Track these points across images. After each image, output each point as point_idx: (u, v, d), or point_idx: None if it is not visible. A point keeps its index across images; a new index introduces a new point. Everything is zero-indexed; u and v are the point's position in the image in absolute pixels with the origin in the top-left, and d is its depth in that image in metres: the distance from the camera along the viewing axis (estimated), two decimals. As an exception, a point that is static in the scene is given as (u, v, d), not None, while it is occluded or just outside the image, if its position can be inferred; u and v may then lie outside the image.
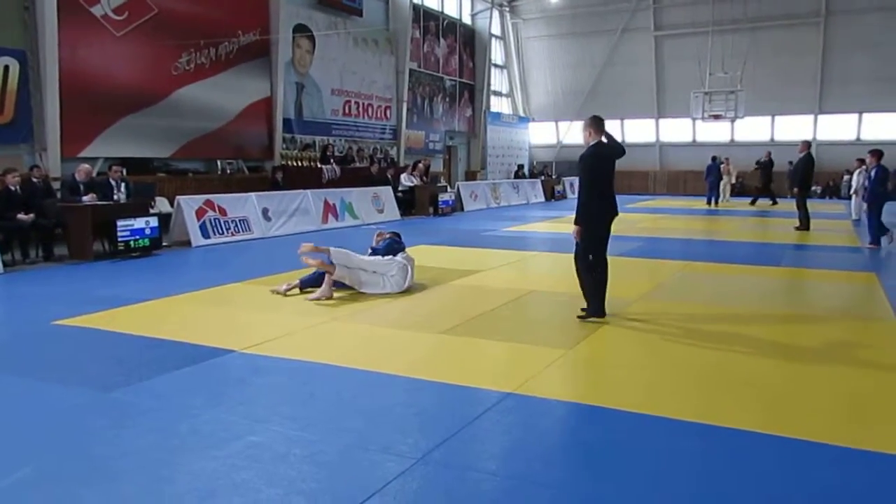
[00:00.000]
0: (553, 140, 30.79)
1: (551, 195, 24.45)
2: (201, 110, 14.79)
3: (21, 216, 9.09)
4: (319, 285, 6.91)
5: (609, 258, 6.13)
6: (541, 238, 12.51)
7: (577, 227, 5.97)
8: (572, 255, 6.14)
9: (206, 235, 11.34)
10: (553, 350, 4.97)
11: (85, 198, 9.70)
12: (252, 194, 12.71)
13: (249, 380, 4.33)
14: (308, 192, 13.97)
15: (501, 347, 5.11)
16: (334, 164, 16.95)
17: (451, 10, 25.41)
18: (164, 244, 10.53)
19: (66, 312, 6.06)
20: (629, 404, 3.87)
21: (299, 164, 16.61)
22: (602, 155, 5.97)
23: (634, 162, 25.50)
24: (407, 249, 7.49)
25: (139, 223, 9.83)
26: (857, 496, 2.90)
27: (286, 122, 17.29)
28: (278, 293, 6.92)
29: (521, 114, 30.68)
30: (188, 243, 11.01)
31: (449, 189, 19.71)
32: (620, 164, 6.35)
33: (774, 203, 20.75)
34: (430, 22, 23.84)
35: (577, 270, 6.07)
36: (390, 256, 7.17)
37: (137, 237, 9.79)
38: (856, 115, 25.10)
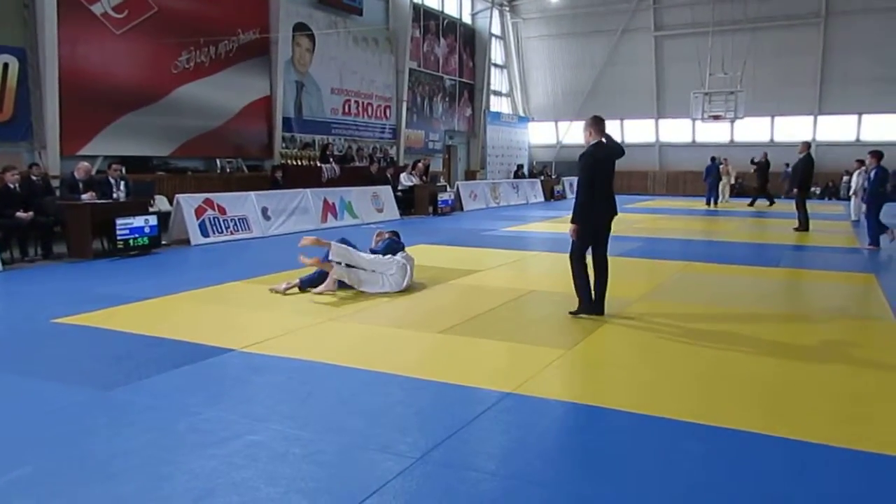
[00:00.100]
0: (553, 140, 30.80)
1: (551, 195, 24.47)
2: (201, 109, 14.78)
3: (20, 214, 9.08)
4: (320, 283, 6.94)
5: (609, 258, 6.15)
6: (540, 238, 12.51)
7: (574, 225, 5.99)
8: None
9: (205, 234, 11.33)
10: (552, 350, 4.97)
11: (84, 196, 9.69)
12: (251, 193, 12.71)
13: (248, 379, 4.32)
14: (307, 191, 13.97)
15: (501, 347, 5.11)
16: (334, 164, 16.94)
17: (451, 10, 25.41)
18: (163, 243, 10.52)
19: (65, 311, 6.06)
20: (628, 404, 3.88)
21: (299, 163, 16.60)
22: (602, 155, 5.97)
23: (634, 162, 25.53)
24: (406, 249, 7.50)
25: (138, 221, 9.82)
26: (856, 497, 2.89)
27: (286, 120, 17.28)
28: (277, 292, 6.91)
29: (521, 113, 30.69)
30: (187, 242, 11.01)
31: (448, 189, 19.70)
32: (620, 164, 6.36)
33: (771, 203, 20.77)
34: (430, 21, 23.84)
35: (573, 269, 6.10)
36: (389, 255, 7.17)
37: (136, 235, 9.78)
38: (855, 116, 25.13)
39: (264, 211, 12.70)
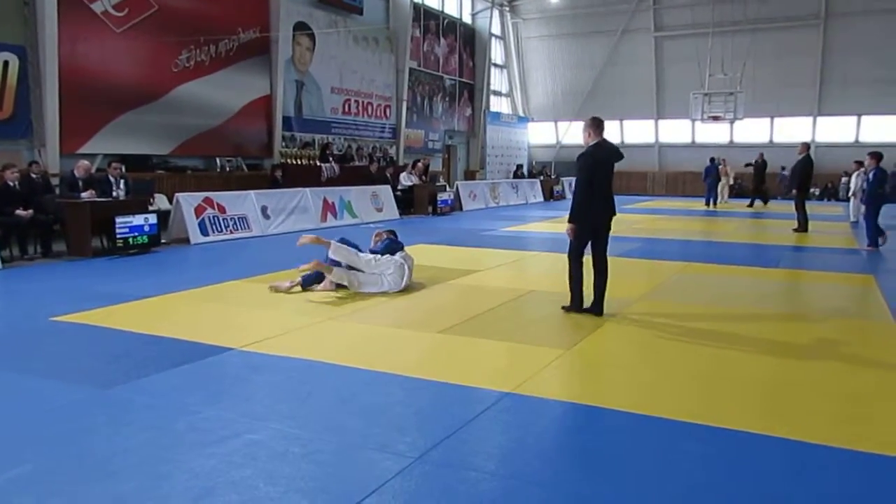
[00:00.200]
0: (552, 140, 30.80)
1: (550, 195, 24.48)
2: (201, 107, 14.77)
3: (20, 212, 9.08)
4: (320, 282, 6.96)
5: (609, 258, 6.15)
6: (539, 238, 12.51)
7: (571, 225, 6.00)
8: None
9: (204, 233, 11.33)
10: (551, 350, 4.97)
11: (84, 194, 9.68)
12: (251, 192, 12.70)
13: (248, 378, 4.32)
14: (307, 190, 13.97)
15: (500, 347, 5.11)
16: (333, 163, 16.93)
17: (451, 10, 25.41)
18: (162, 241, 10.52)
19: (64, 309, 6.06)
20: (627, 404, 3.88)
21: (298, 162, 16.59)
22: (601, 156, 5.99)
23: (633, 163, 25.56)
24: (406, 248, 7.49)
25: (138, 220, 9.82)
26: (855, 497, 2.90)
27: (286, 119, 17.28)
28: (279, 290, 6.91)
29: (521, 114, 30.69)
30: (187, 240, 11.00)
31: (448, 188, 19.70)
32: (619, 164, 6.37)
33: (765, 203, 20.88)
34: (431, 21, 23.84)
35: (569, 267, 6.12)
36: (388, 255, 7.17)
37: (136, 234, 9.78)
38: (854, 118, 25.15)
39: (264, 210, 12.69)
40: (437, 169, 23.91)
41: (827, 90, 25.11)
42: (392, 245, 7.34)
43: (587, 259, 6.15)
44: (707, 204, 21.06)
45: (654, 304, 6.69)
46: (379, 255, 7.13)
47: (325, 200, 14.35)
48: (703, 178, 21.78)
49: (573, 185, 6.61)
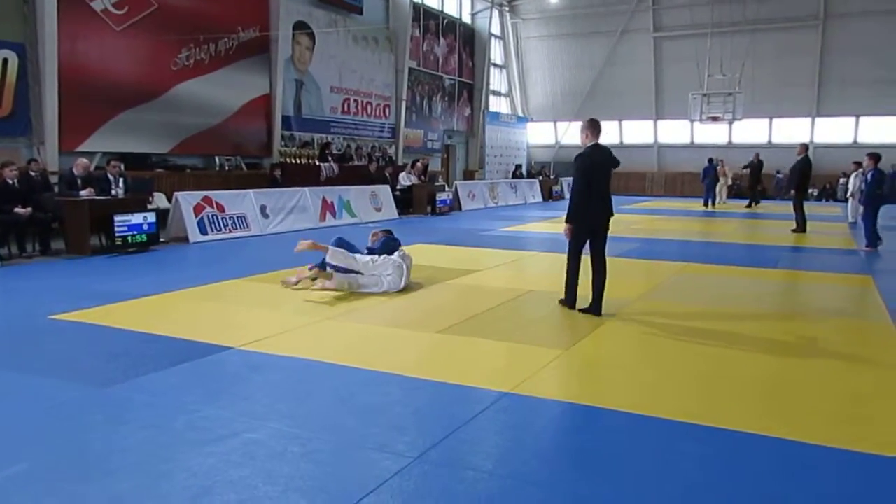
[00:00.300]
0: (551, 140, 30.81)
1: (549, 195, 24.50)
2: (200, 106, 14.76)
3: (18, 210, 9.06)
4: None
5: (607, 259, 6.16)
6: (538, 238, 12.52)
7: (568, 225, 6.02)
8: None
9: (203, 232, 11.32)
10: (550, 350, 4.97)
11: (82, 192, 9.67)
12: (250, 191, 12.70)
13: (246, 377, 4.32)
14: (306, 189, 13.96)
15: (499, 347, 5.11)
16: (333, 162, 16.93)
17: (451, 10, 25.40)
18: (161, 240, 10.51)
19: (62, 307, 6.05)
20: (626, 404, 3.88)
21: (298, 161, 16.58)
22: (599, 159, 6.02)
23: (632, 163, 25.57)
24: (404, 248, 7.49)
25: (137, 218, 9.81)
26: (854, 497, 2.90)
27: (285, 119, 17.27)
28: (288, 285, 7.02)
29: (520, 114, 30.69)
30: (185, 239, 11.00)
31: (447, 188, 19.70)
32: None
33: (758, 203, 21.04)
34: (430, 21, 23.83)
35: (567, 266, 6.15)
36: (385, 255, 7.16)
37: (135, 232, 9.77)
38: (853, 118, 25.17)
39: (263, 209, 12.69)
40: (436, 169, 23.91)
41: (825, 91, 25.14)
42: (389, 243, 7.34)
43: (585, 258, 6.17)
44: (705, 204, 21.09)
45: (652, 304, 6.70)
46: (377, 256, 7.13)
47: (324, 200, 14.34)
48: (702, 178, 21.81)
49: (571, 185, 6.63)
